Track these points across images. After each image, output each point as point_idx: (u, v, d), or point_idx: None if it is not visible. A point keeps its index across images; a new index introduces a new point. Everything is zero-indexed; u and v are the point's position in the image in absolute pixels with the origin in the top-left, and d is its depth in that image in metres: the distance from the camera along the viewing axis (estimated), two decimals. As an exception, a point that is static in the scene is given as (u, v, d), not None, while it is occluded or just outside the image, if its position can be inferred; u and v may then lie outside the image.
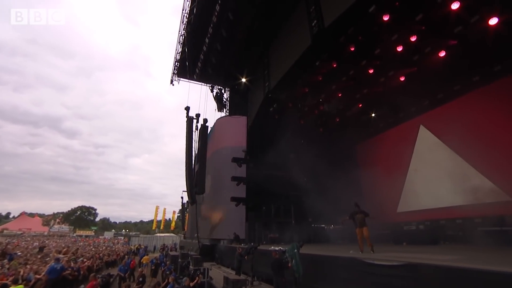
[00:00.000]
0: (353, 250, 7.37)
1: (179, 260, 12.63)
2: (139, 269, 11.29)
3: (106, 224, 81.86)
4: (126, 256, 19.25)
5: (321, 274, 6.31)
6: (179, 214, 47.21)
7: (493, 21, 9.34)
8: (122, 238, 48.69)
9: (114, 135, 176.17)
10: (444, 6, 9.35)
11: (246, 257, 9.11)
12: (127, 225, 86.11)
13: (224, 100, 20.01)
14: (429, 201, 12.46)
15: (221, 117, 20.67)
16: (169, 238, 39.23)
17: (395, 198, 14.39)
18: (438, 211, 12.02)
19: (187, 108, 18.55)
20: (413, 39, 10.29)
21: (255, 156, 16.95)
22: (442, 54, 10.73)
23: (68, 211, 69.33)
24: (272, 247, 10.33)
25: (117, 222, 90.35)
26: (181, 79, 21.57)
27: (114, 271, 14.89)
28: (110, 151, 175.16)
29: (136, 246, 29.19)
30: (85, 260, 11.06)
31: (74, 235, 55.63)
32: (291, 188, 17.16)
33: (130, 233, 55.74)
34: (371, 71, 12.17)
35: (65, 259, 9.43)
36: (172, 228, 47.36)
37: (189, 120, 18.11)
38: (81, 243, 30.91)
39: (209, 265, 12.35)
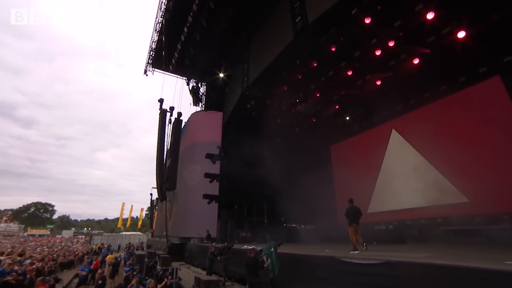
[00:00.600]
0: (328, 249, 7.31)
1: (146, 259, 11.86)
2: (99, 271, 10.31)
3: (66, 222, 75.85)
4: (85, 256, 17.72)
5: (297, 273, 6.12)
6: (147, 212, 45.00)
7: (461, 34, 9.95)
8: (83, 237, 45.21)
9: (78, 127, 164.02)
10: (420, 15, 9.74)
11: (218, 257, 8.69)
12: (89, 223, 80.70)
13: (200, 94, 19.31)
14: (397, 203, 12.99)
15: (196, 112, 19.94)
16: (136, 236, 37.33)
17: (366, 199, 14.84)
18: (405, 212, 12.58)
19: (161, 100, 17.70)
20: (391, 44, 10.61)
21: (229, 153, 16.54)
22: (416, 61, 11.22)
23: (19, 207, 62.90)
24: (245, 246, 10.03)
25: (79, 220, 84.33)
26: (155, 69, 20.47)
27: (71, 274, 13.55)
28: (73, 144, 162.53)
29: (98, 246, 27.17)
30: (34, 262, 9.81)
31: (25, 234, 50.49)
32: (265, 187, 17.00)
33: (92, 232, 51.97)
34: (350, 73, 12.38)
35: (8, 261, 8.22)
36: (139, 226, 45.04)
37: (162, 113, 17.31)
38: (33, 243, 28.01)
39: (178, 264, 11.77)
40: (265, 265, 5.84)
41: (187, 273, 10.74)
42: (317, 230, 17.33)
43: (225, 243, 9.52)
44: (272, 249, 5.97)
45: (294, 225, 17.39)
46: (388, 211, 13.39)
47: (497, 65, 10.70)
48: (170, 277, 8.03)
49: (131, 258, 15.75)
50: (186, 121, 20.45)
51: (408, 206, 12.50)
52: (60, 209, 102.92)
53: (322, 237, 15.54)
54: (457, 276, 3.50)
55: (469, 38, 9.91)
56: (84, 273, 10.76)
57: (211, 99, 20.32)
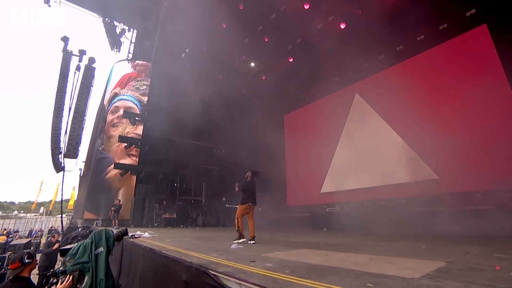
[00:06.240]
0: (236, 242, 4.30)
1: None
2: None
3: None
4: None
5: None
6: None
7: None
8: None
9: None
10: None
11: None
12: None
13: (122, 37, 14.78)
14: (356, 181, 10.66)
15: (120, 61, 15.47)
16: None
17: (320, 177, 12.36)
18: (364, 191, 10.29)
19: (65, 39, 13.36)
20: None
21: (158, 114, 12.76)
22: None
23: None
24: (138, 233, 6.80)
25: None
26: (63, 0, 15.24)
27: None
28: None
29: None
30: None
31: None
32: (203, 159, 13.72)
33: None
34: (307, 7, 9.21)
35: None
36: (70, 207, 38.57)
37: (66, 55, 13.14)
38: None
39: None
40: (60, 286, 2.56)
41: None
42: (263, 212, 14.70)
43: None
44: (101, 251, 2.68)
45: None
46: (344, 190, 11.00)
47: (486, 9, 8.42)
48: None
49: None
50: (109, 72, 15.94)
51: (368, 185, 10.22)
52: None
53: (269, 221, 12.93)
54: None
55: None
56: None
57: (143, 48, 15.93)
